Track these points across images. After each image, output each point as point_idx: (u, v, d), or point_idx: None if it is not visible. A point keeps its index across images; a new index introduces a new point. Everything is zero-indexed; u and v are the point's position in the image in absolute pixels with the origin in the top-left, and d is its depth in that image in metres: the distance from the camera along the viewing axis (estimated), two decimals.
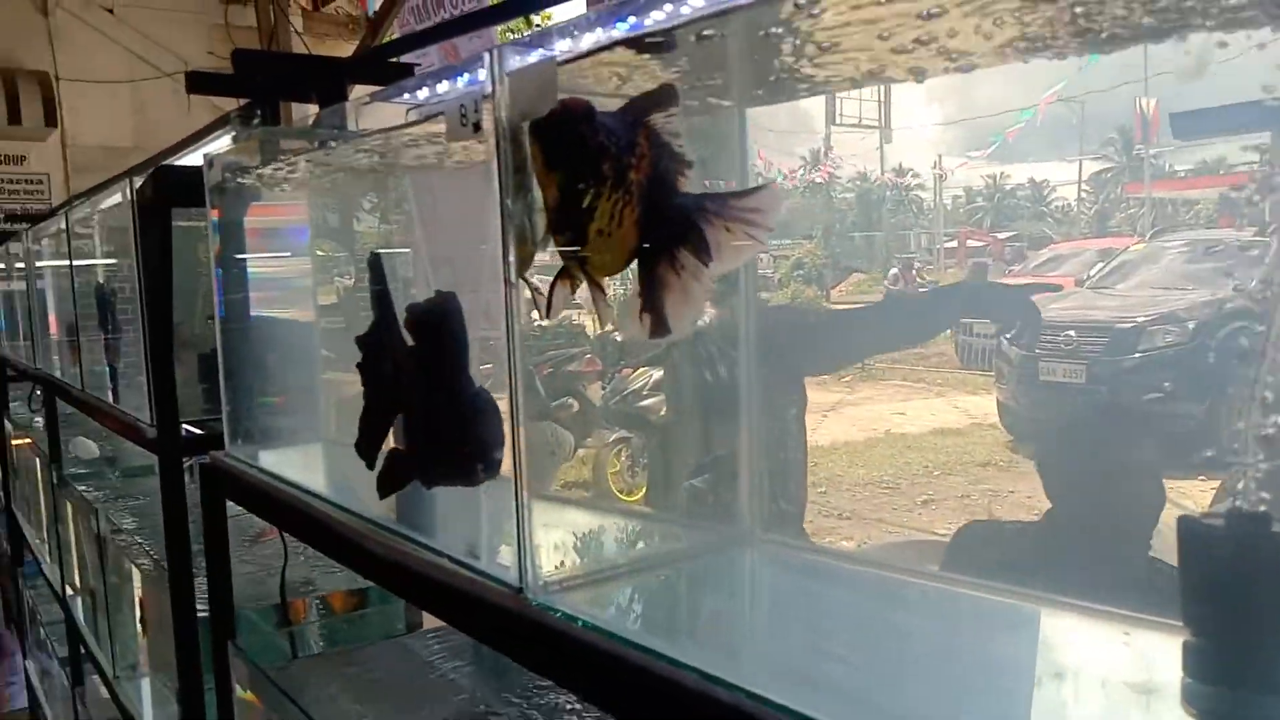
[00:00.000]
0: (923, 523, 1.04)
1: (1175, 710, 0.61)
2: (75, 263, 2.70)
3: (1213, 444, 0.71)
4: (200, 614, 1.83)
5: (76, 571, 3.14)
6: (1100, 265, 1.09)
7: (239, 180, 1.49)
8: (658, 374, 1.12)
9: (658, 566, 0.96)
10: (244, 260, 1.53)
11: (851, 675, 0.79)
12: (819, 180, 1.12)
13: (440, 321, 0.82)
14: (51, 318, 3.21)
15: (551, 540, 0.95)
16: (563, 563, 0.95)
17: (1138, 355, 1.03)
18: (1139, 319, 1.05)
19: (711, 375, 1.02)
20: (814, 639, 0.85)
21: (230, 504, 1.60)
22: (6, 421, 4.52)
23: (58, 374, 3.08)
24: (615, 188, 0.71)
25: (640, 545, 0.99)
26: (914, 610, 0.90)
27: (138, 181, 1.76)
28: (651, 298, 0.73)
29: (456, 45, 5.08)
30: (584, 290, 0.78)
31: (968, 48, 0.74)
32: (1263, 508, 0.58)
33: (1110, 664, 0.75)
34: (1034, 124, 0.90)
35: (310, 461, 1.57)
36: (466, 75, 1.07)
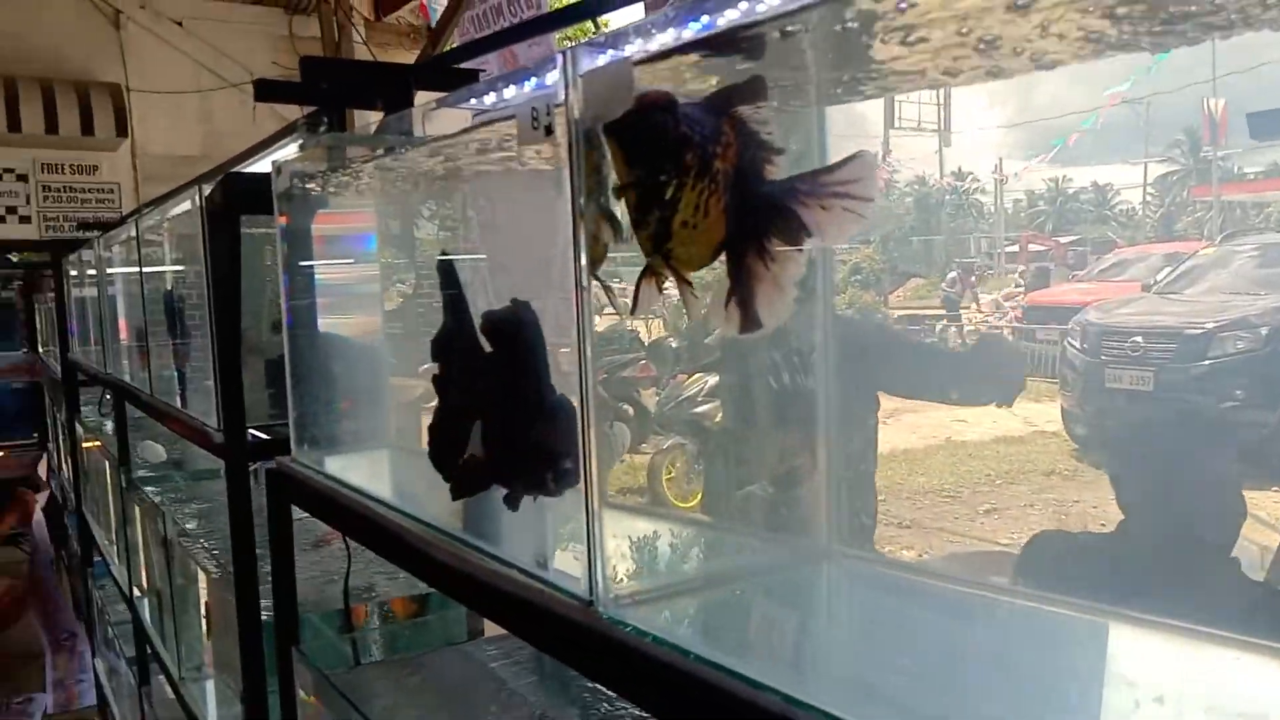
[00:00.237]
0: (985, 532, 1.01)
1: None
2: (145, 270, 2.75)
3: None
4: (264, 617, 1.85)
5: (144, 573, 3.20)
6: (1168, 270, 1.06)
7: (306, 186, 1.50)
8: (712, 380, 1.10)
9: (734, 580, 0.94)
10: (311, 266, 1.54)
11: (937, 698, 0.75)
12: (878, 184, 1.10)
13: (520, 328, 0.81)
14: (122, 323, 3.27)
15: (613, 548, 0.93)
16: (625, 572, 0.93)
17: (1208, 362, 1.00)
18: (1209, 325, 1.01)
19: (776, 381, 0.99)
20: (899, 659, 0.82)
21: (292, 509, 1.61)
22: (78, 425, 4.63)
23: (127, 379, 3.13)
24: (699, 177, 0.69)
25: (714, 558, 0.97)
26: (1004, 627, 0.86)
27: (207, 189, 1.78)
28: (741, 290, 0.71)
29: (516, 53, 5.13)
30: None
31: (1044, 46, 0.71)
32: None
33: (1185, 680, 0.72)
34: (1097, 126, 0.87)
35: (376, 467, 1.57)
36: (534, 79, 1.07)
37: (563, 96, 0.81)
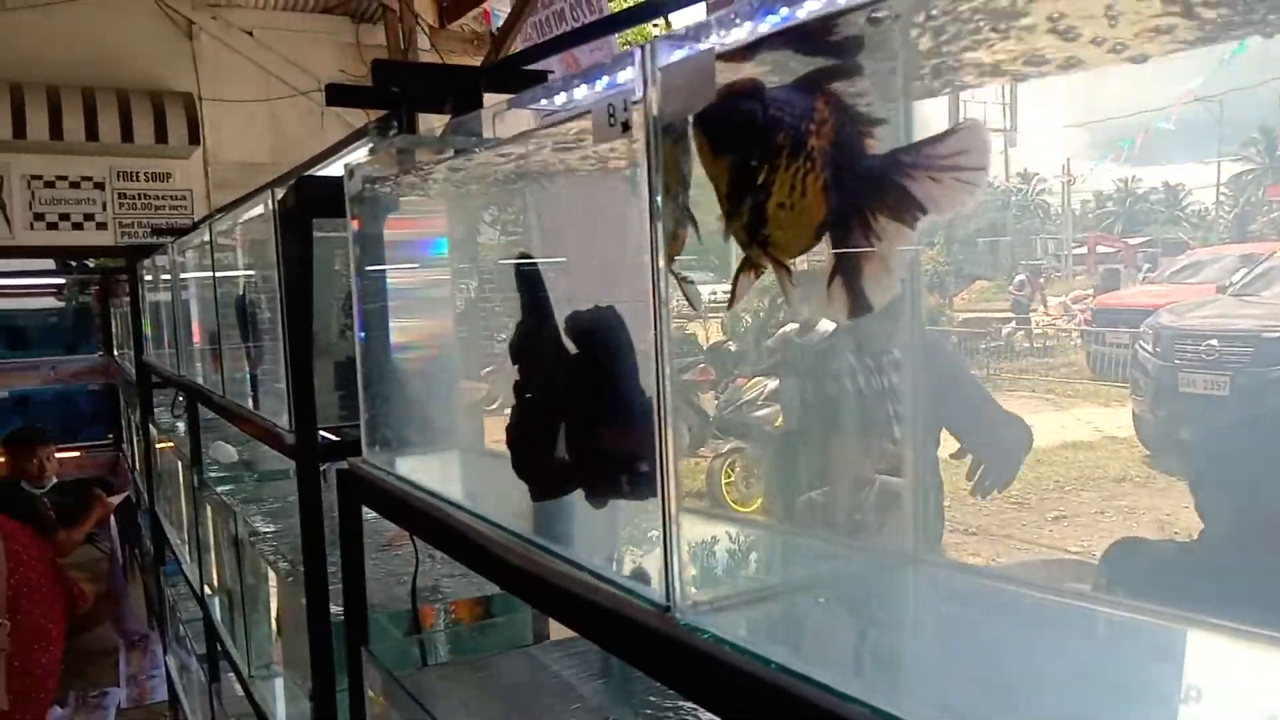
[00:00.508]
0: (1054, 539, 0.99)
1: None
2: (217, 274, 2.79)
3: None
4: (333, 617, 1.86)
5: (214, 571, 3.25)
6: (1244, 271, 1.03)
7: (378, 189, 1.50)
8: (772, 384, 1.08)
9: (815, 587, 0.91)
10: (382, 269, 1.55)
11: (1025, 710, 0.73)
12: None
13: (609, 330, 0.79)
14: (194, 326, 3.34)
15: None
16: (700, 578, 0.91)
17: None
18: None
19: (855, 384, 0.97)
20: (984, 668, 0.79)
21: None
22: (151, 426, 4.74)
23: (200, 381, 3.19)
24: (793, 156, 0.66)
25: (793, 563, 0.94)
26: (1087, 635, 0.83)
27: (279, 193, 1.80)
28: (847, 271, 0.68)
29: (578, 57, 5.15)
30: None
31: (1125, 36, 0.68)
32: None
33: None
34: (1168, 125, 0.84)
35: (446, 468, 1.57)
36: (605, 78, 1.06)
37: (640, 92, 0.79)
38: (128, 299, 5.62)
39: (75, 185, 7.43)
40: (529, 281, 0.97)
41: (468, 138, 1.33)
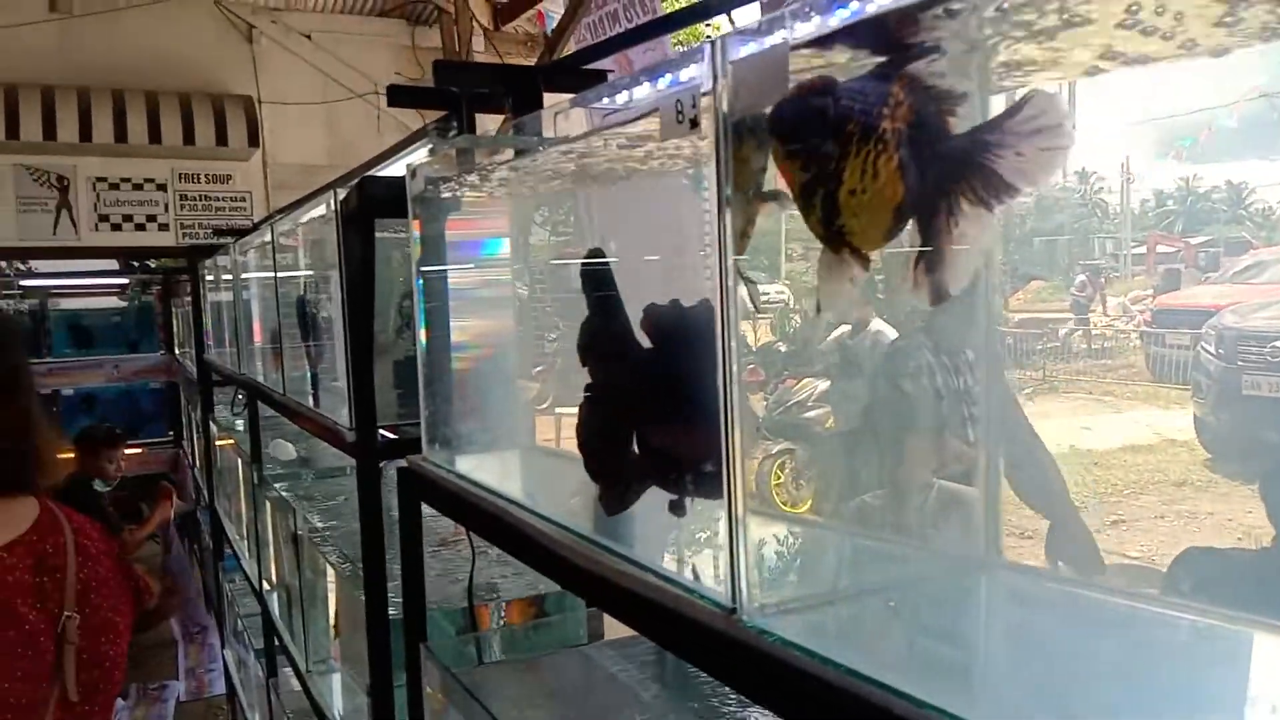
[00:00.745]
0: (1113, 544, 0.96)
1: None
2: (279, 274, 2.83)
3: None
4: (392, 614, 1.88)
5: (273, 567, 3.30)
6: None
7: (439, 189, 1.51)
8: (822, 385, 1.06)
9: (881, 590, 0.90)
10: (443, 269, 1.56)
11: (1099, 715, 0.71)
12: None
13: (692, 324, 0.78)
14: (255, 326, 3.39)
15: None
16: (764, 579, 0.90)
17: None
18: None
19: (912, 387, 0.95)
20: (1058, 675, 0.77)
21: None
22: (212, 423, 4.83)
23: (260, 379, 3.24)
24: (863, 142, 0.65)
25: (856, 566, 0.93)
26: (1169, 641, 0.81)
27: (341, 194, 1.82)
28: (931, 257, 0.67)
29: (631, 58, 5.15)
30: None
31: (1195, 31, 0.65)
32: None
33: None
34: (1232, 122, 0.81)
35: (506, 467, 1.58)
36: (669, 76, 1.05)
37: (709, 86, 0.78)
38: (188, 299, 5.73)
39: (138, 187, 7.61)
40: (598, 279, 0.96)
41: (530, 137, 1.33)
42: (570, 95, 1.24)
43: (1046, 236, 1.08)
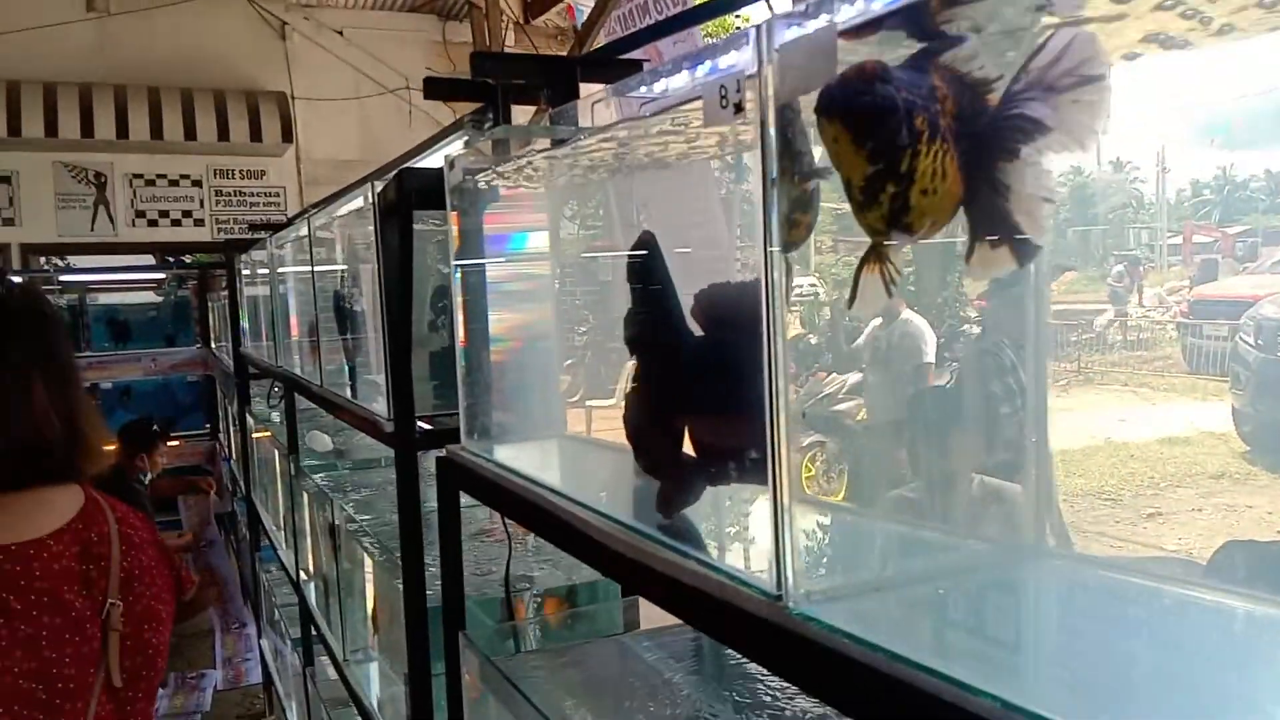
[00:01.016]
0: (1149, 537, 0.95)
1: None
2: (316, 268, 2.86)
3: None
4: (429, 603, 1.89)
5: (310, 557, 3.33)
6: None
7: (478, 180, 1.52)
8: (854, 377, 1.06)
9: (925, 579, 0.89)
10: (480, 261, 1.56)
11: (1148, 702, 0.70)
12: None
13: (749, 304, 0.77)
14: (292, 319, 3.42)
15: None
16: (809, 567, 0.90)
17: None
18: None
19: (951, 379, 0.94)
20: (1110, 663, 0.76)
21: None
22: (248, 415, 4.88)
23: (297, 372, 3.27)
24: (931, 140, 0.65)
25: (900, 555, 0.93)
26: (1212, 631, 0.80)
27: (379, 186, 1.84)
28: (998, 225, 0.66)
29: (661, 50, 5.14)
30: None
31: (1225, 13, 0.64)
32: None
33: None
34: (1268, 108, 0.80)
35: (545, 457, 1.58)
36: (708, 63, 1.04)
37: (754, 70, 0.78)
38: (224, 293, 5.80)
39: (174, 183, 7.71)
40: (647, 268, 0.95)
41: (568, 126, 1.33)
42: (605, 85, 1.24)
43: (1080, 227, 1.07)
